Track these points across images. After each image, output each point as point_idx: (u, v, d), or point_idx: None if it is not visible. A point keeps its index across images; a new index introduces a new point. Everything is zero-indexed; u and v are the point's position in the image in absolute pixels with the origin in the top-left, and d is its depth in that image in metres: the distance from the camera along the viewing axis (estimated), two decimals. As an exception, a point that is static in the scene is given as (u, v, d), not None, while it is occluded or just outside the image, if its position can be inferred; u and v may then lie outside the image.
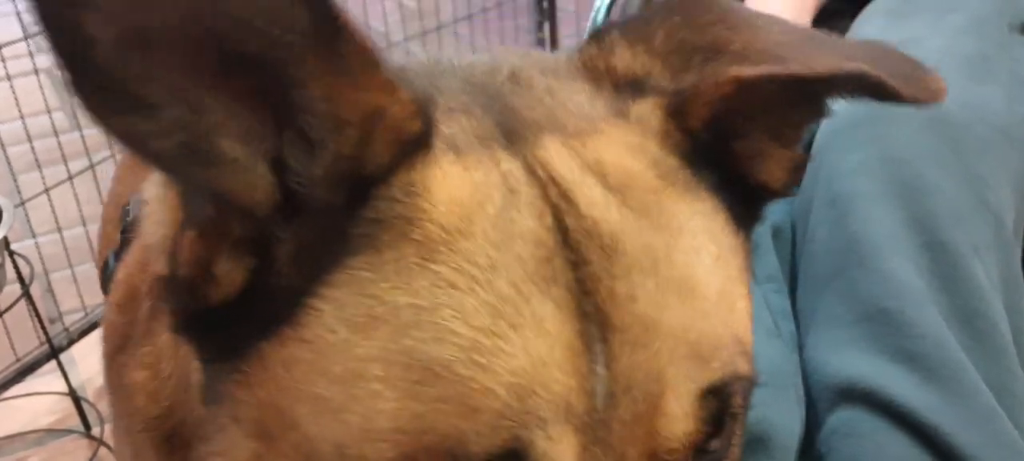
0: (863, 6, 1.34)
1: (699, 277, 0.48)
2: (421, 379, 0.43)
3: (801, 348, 0.94)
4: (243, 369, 0.47)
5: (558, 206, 0.46)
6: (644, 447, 0.45)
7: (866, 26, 1.28)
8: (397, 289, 0.44)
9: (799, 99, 0.55)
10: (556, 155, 0.49)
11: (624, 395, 0.45)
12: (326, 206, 0.45)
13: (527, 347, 0.43)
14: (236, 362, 0.48)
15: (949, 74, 1.06)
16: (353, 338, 0.44)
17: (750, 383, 0.50)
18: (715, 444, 0.49)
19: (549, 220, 0.46)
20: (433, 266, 0.44)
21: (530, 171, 0.47)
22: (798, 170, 0.57)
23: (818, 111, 0.56)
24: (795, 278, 1.02)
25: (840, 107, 1.07)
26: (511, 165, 0.48)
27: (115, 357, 0.64)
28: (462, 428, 0.43)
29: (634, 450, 0.45)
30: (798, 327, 0.97)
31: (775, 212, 1.09)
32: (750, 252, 0.56)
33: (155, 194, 0.48)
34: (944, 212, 0.91)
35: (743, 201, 0.55)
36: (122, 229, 0.70)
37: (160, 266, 0.47)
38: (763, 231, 1.06)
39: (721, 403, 0.47)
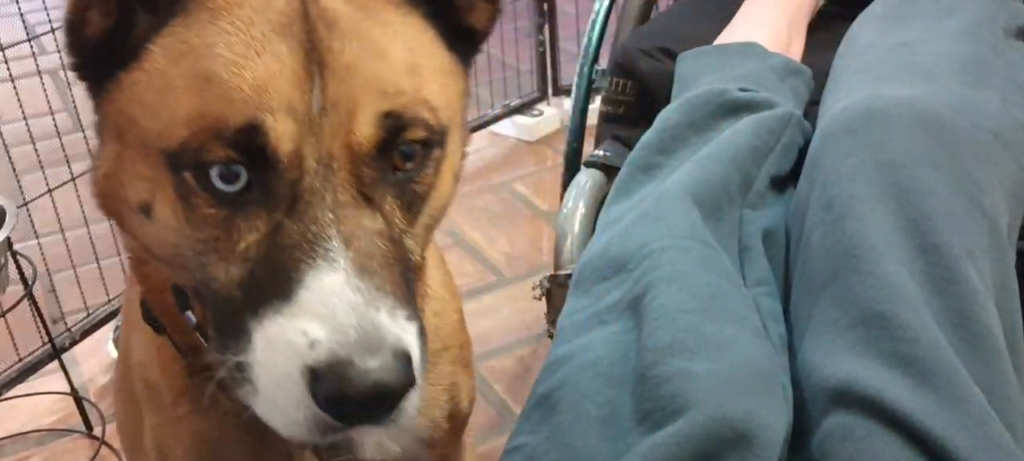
0: (860, 9, 1.35)
1: (392, 51, 0.74)
2: (203, 86, 0.69)
3: (796, 352, 0.94)
4: (110, 91, 0.75)
5: (305, 1, 0.73)
6: (342, 142, 0.70)
7: (863, 29, 1.29)
8: (196, 36, 0.71)
9: None
10: None
11: (332, 109, 0.70)
12: None
13: (266, 66, 0.69)
14: (107, 87, 0.75)
15: (945, 78, 1.08)
16: (169, 65, 0.72)
17: (434, 130, 0.75)
18: (409, 166, 0.74)
19: (297, 5, 0.72)
20: (218, 22, 0.71)
21: None
22: (495, 17, 0.84)
23: None
24: (789, 282, 1.02)
25: (835, 113, 1.07)
26: None
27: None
28: (223, 112, 0.68)
29: (336, 142, 0.70)
30: (792, 330, 0.97)
31: (768, 216, 1.09)
32: (466, 74, 0.83)
33: None
34: (938, 216, 0.92)
35: (461, 40, 0.82)
36: None
37: (64, 30, 0.75)
38: (754, 235, 1.07)
39: (397, 124, 0.72)
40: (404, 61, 0.74)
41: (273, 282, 0.68)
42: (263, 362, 0.68)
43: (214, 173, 0.69)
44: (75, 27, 0.74)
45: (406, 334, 0.69)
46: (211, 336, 0.75)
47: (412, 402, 0.70)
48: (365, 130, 0.70)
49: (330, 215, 0.69)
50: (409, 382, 0.68)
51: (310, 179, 0.69)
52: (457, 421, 1.08)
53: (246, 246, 0.70)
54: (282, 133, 0.68)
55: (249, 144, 0.68)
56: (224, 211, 0.70)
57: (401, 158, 0.73)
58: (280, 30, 0.70)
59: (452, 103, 0.79)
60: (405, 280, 0.72)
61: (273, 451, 0.93)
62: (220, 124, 0.68)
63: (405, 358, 0.67)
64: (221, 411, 0.89)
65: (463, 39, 0.82)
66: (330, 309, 0.66)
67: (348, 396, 0.65)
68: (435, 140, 0.76)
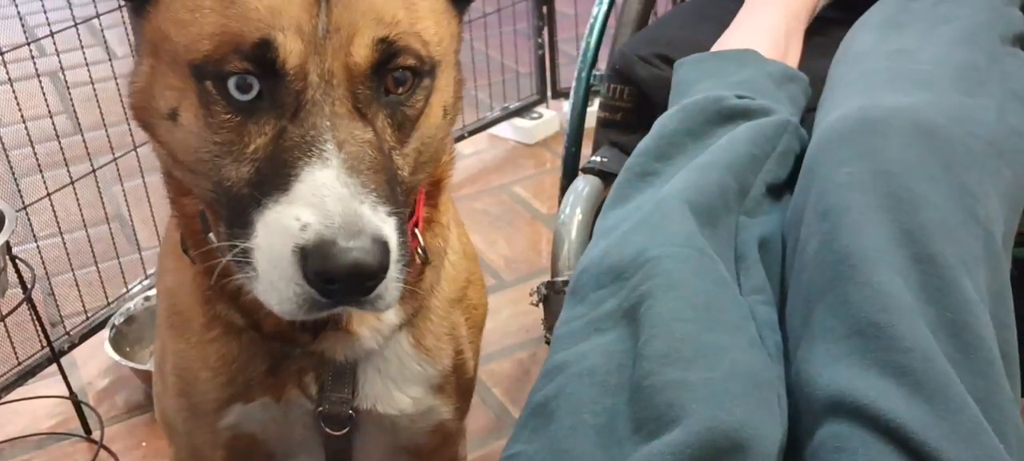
0: (858, 15, 1.35)
1: None
2: (227, 5, 0.80)
3: (791, 361, 0.94)
4: (150, 12, 0.86)
5: None
6: (342, 61, 0.81)
7: (861, 36, 1.29)
8: None
9: None
10: None
11: (334, 32, 0.80)
12: None
13: None
14: (148, 9, 0.87)
15: (941, 85, 1.08)
16: None
17: (425, 61, 0.85)
18: (402, 90, 0.84)
19: None
20: None
21: None
22: None
23: None
24: (785, 290, 1.02)
25: (831, 121, 1.08)
26: None
27: None
28: (242, 28, 0.79)
29: (336, 62, 0.80)
30: (787, 339, 0.97)
31: (765, 224, 1.10)
32: (459, 19, 0.94)
33: None
34: (934, 225, 0.92)
35: None
36: None
37: None
38: (750, 242, 1.07)
39: (390, 49, 0.82)
40: None
41: (275, 178, 0.80)
42: (262, 245, 0.80)
43: (231, 83, 0.81)
44: None
45: (385, 226, 0.78)
46: (222, 231, 0.86)
47: (390, 289, 0.81)
48: (362, 52, 0.81)
49: (327, 123, 0.80)
50: (384, 265, 0.78)
51: (312, 91, 0.80)
52: (461, 378, 1.12)
53: (255, 148, 0.82)
54: (290, 49, 0.79)
55: (262, 57, 0.79)
56: (238, 117, 0.82)
57: (394, 83, 0.84)
58: None
59: (444, 42, 0.89)
60: (390, 187, 0.82)
61: (286, 372, 1.04)
62: (238, 39, 0.79)
63: (382, 244, 0.77)
64: (245, 337, 1.02)
65: None
66: (320, 198, 0.77)
67: (331, 272, 0.76)
68: (425, 70, 0.86)
